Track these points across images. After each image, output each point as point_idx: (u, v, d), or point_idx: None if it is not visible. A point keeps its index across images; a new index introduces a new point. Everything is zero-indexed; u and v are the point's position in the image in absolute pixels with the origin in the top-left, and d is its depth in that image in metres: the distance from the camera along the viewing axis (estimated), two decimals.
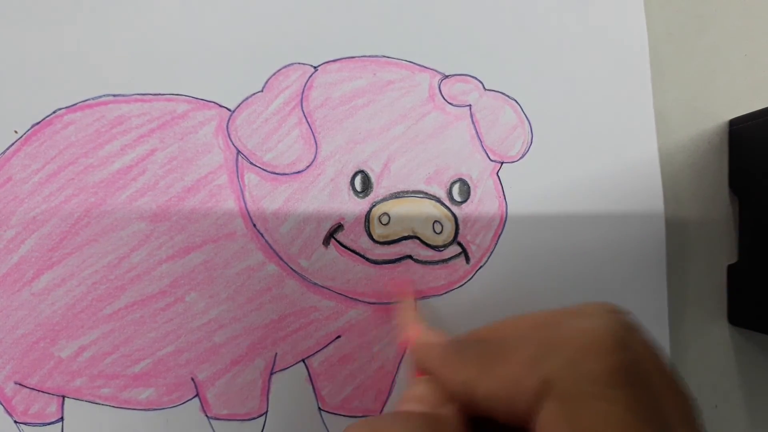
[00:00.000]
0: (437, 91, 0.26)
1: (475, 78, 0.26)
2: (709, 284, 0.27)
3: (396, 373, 0.25)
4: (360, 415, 0.25)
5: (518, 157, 0.26)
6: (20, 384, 0.23)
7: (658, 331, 0.26)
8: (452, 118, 0.26)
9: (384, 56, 0.26)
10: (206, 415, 0.24)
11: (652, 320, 0.26)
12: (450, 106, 0.26)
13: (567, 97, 0.27)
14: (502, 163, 0.26)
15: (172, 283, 0.23)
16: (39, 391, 0.23)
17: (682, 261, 0.27)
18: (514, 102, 0.27)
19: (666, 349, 0.26)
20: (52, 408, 0.24)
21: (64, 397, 0.23)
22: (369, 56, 0.26)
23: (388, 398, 0.25)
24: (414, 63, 0.26)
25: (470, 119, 0.26)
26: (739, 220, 0.27)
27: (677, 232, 0.27)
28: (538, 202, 0.26)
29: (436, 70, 0.26)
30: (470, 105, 0.26)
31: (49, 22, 0.24)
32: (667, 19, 0.27)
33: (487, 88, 0.26)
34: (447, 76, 0.26)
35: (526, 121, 0.27)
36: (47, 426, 0.24)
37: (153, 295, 0.23)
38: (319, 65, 0.25)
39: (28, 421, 0.24)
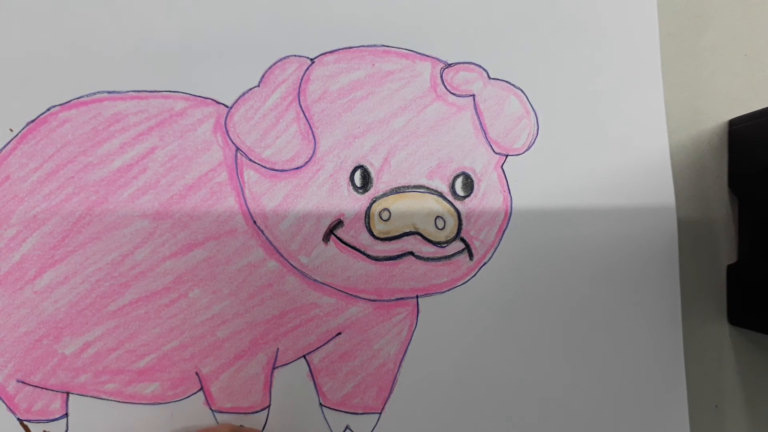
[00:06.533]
0: (439, 80, 0.31)
1: (479, 66, 0.31)
2: (709, 284, 0.32)
3: (397, 371, 0.31)
4: (361, 412, 0.31)
5: (524, 150, 0.32)
6: (23, 382, 0.30)
7: (670, 329, 0.32)
8: (455, 109, 0.31)
9: (383, 45, 0.31)
10: (211, 409, 0.30)
11: (664, 318, 0.31)
12: (453, 96, 0.31)
13: (574, 86, 0.31)
14: (506, 155, 0.31)
15: (175, 280, 0.29)
16: (42, 388, 0.30)
17: (682, 261, 0.32)
18: (519, 91, 0.32)
19: (680, 348, 0.32)
20: (56, 404, 0.30)
21: (68, 393, 0.30)
22: (367, 46, 0.31)
23: (389, 396, 0.31)
24: (414, 51, 0.31)
25: (474, 110, 0.31)
26: (739, 220, 0.32)
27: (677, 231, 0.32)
28: (544, 196, 0.31)
29: (437, 59, 0.31)
30: (474, 95, 0.31)
31: (41, 17, 0.30)
32: (667, 19, 0.32)
33: (491, 76, 0.31)
34: (449, 65, 0.31)
35: (532, 112, 0.32)
36: (52, 422, 0.30)
37: (157, 292, 0.29)
38: (315, 57, 0.31)
39: (32, 418, 0.30)
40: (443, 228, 0.30)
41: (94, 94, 0.30)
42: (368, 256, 0.30)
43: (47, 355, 0.29)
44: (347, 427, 0.31)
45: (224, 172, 0.30)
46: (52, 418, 0.30)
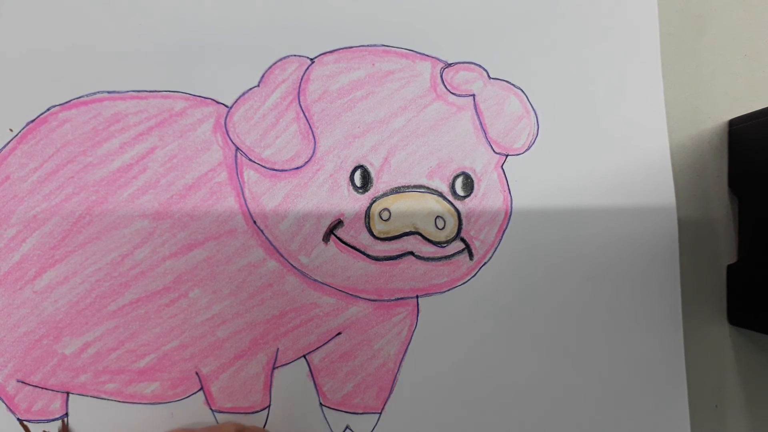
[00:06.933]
0: (439, 80, 0.31)
1: (480, 66, 0.32)
2: (709, 284, 0.33)
3: (397, 370, 0.31)
4: (361, 411, 0.32)
5: (524, 150, 0.32)
6: (23, 382, 0.30)
7: (671, 329, 0.32)
8: (455, 109, 0.32)
9: (383, 45, 0.31)
10: (211, 409, 0.30)
11: (664, 318, 0.32)
12: (453, 96, 0.31)
13: (575, 86, 0.32)
14: (506, 155, 0.32)
15: (175, 280, 0.29)
16: (42, 388, 0.30)
17: (682, 261, 0.32)
18: (519, 91, 0.32)
19: (680, 348, 0.32)
20: (56, 404, 0.30)
21: (68, 393, 0.30)
22: (367, 46, 0.31)
23: (389, 396, 0.31)
24: (414, 51, 0.31)
25: (474, 110, 0.32)
26: (739, 220, 0.32)
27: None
28: (544, 196, 0.31)
29: (437, 58, 0.31)
30: (474, 94, 0.31)
31: (42, 18, 0.30)
32: (667, 19, 0.32)
33: (491, 76, 0.32)
34: (450, 65, 0.31)
35: (532, 112, 0.32)
36: (52, 422, 0.30)
37: (157, 292, 0.29)
38: (315, 57, 0.31)
39: (32, 418, 0.30)
40: (443, 228, 0.31)
41: (94, 93, 0.30)
42: (368, 256, 0.30)
43: (47, 355, 0.30)
44: (347, 427, 0.31)
45: (224, 172, 0.30)
46: (52, 418, 0.30)
